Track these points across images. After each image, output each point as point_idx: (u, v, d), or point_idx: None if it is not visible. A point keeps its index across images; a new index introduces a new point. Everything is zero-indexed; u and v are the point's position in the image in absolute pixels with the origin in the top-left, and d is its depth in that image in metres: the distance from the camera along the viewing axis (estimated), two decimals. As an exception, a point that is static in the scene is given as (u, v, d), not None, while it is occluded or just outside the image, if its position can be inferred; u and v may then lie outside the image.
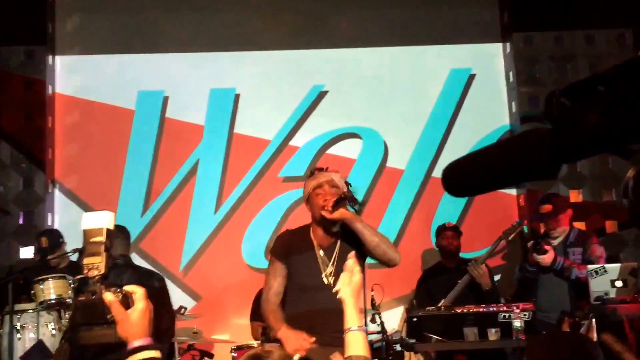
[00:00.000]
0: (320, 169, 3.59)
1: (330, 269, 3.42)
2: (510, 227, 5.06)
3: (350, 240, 3.46)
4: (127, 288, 1.71)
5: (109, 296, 1.67)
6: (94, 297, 1.67)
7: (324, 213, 3.38)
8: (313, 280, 3.43)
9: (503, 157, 1.09)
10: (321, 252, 3.48)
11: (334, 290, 2.25)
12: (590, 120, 0.94)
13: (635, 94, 0.91)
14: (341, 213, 3.36)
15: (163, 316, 4.65)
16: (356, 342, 2.09)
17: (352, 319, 2.12)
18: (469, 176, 1.16)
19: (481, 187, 1.20)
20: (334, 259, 3.46)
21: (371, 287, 4.76)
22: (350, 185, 3.58)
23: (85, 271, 1.70)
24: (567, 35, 6.48)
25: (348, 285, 2.16)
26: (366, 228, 3.39)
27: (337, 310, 3.37)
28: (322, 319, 3.35)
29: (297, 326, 3.48)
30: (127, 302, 1.68)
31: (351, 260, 2.26)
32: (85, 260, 1.70)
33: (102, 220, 1.72)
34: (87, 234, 1.71)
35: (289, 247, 3.54)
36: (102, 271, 1.69)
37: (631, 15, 6.09)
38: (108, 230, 1.71)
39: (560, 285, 4.70)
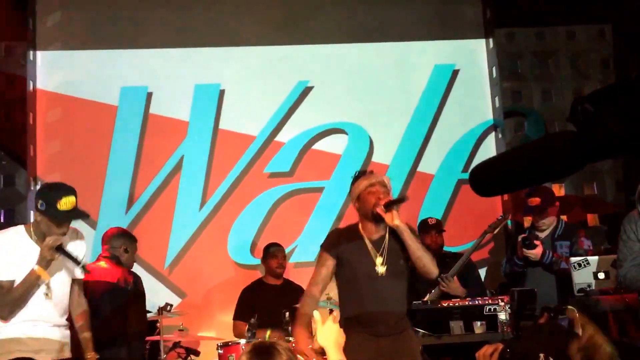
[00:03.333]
0: (369, 172, 3.84)
1: (379, 259, 3.64)
2: (495, 222, 5.11)
3: (396, 237, 3.68)
4: None
5: None
6: None
7: (378, 210, 3.59)
8: (365, 269, 3.64)
9: (530, 158, 1.12)
10: (370, 244, 3.69)
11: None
12: (612, 125, 0.97)
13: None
14: (393, 219, 3.58)
15: (131, 317, 4.62)
16: None
17: None
18: (497, 177, 1.20)
19: (509, 187, 1.24)
20: (383, 249, 3.67)
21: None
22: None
23: None
24: (549, 31, 6.58)
25: (326, 336, 2.31)
26: (412, 240, 3.62)
27: (393, 299, 3.61)
28: (382, 310, 3.58)
29: (359, 319, 3.61)
30: None
31: (317, 314, 2.42)
32: None
33: None
34: None
35: (339, 241, 3.76)
36: None
37: (610, 10, 6.19)
38: None
39: (547, 278, 4.75)
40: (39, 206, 3.56)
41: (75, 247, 3.70)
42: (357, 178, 3.77)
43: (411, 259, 3.65)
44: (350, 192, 3.77)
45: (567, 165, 1.10)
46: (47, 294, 3.55)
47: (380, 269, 3.62)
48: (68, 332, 3.72)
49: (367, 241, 3.69)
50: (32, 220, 3.92)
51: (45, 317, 3.56)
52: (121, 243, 4.93)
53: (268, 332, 5.01)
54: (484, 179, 1.26)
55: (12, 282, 3.49)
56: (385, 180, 3.74)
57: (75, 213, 3.62)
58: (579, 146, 1.06)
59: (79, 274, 3.71)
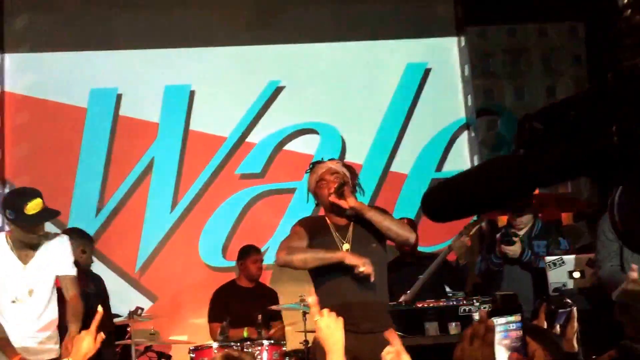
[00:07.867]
0: (318, 162, 3.81)
1: (346, 245, 3.60)
2: (470, 223, 5.08)
3: (363, 222, 3.63)
4: None
5: None
6: None
7: (331, 199, 3.57)
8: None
9: (477, 187, 1.08)
10: (336, 233, 3.65)
11: None
12: (561, 148, 0.93)
13: (601, 122, 0.91)
14: (348, 203, 3.54)
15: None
16: None
17: None
18: (447, 204, 1.15)
19: (459, 215, 1.21)
20: (348, 238, 3.63)
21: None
22: (352, 170, 3.78)
23: None
24: (521, 28, 6.62)
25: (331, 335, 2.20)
26: (375, 215, 3.58)
27: (367, 286, 3.49)
28: (359, 300, 3.48)
29: (337, 312, 3.44)
30: None
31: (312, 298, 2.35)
32: None
33: None
34: None
35: (312, 227, 3.69)
36: None
37: (583, 8, 6.20)
38: None
39: (523, 278, 4.73)
40: (8, 215, 3.59)
41: (47, 250, 3.69)
42: (309, 174, 3.77)
43: (383, 233, 3.61)
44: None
45: (513, 193, 1.05)
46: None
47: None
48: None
49: (332, 230, 3.65)
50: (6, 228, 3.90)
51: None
52: (79, 244, 4.81)
53: (245, 331, 4.94)
54: (434, 206, 1.22)
55: None
56: (333, 166, 3.70)
57: (45, 213, 3.66)
58: (524, 172, 1.01)
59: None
